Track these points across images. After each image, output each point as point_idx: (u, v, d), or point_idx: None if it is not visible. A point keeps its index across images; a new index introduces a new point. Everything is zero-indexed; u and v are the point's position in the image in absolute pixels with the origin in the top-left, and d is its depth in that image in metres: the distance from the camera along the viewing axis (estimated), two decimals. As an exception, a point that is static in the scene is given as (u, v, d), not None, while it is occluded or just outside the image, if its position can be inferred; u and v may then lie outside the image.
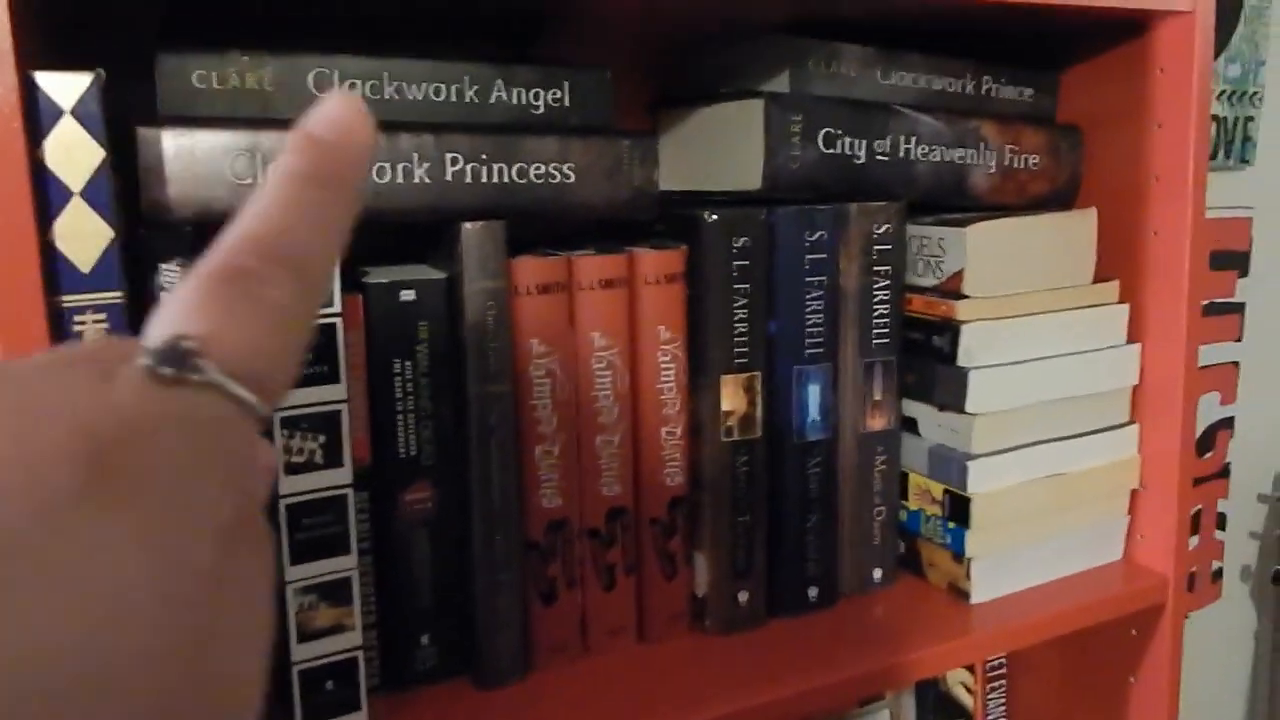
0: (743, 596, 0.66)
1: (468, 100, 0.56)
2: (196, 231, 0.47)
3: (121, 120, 0.47)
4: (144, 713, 0.18)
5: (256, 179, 0.49)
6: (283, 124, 0.50)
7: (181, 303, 0.22)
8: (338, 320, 0.52)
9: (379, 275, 0.56)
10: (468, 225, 0.55)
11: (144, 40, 0.51)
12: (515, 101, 0.58)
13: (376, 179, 0.52)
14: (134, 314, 0.44)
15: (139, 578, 0.18)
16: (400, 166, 0.52)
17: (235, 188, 0.48)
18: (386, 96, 0.54)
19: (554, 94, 0.59)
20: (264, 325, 0.22)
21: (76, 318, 0.43)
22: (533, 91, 0.58)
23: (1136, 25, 0.72)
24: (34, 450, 0.17)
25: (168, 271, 0.46)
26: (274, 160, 0.24)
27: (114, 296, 0.43)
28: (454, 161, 0.54)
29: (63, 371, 0.19)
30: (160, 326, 0.21)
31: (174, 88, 0.49)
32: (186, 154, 0.47)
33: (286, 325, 0.23)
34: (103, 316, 0.43)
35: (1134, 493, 0.76)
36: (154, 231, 0.46)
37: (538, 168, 0.57)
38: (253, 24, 0.54)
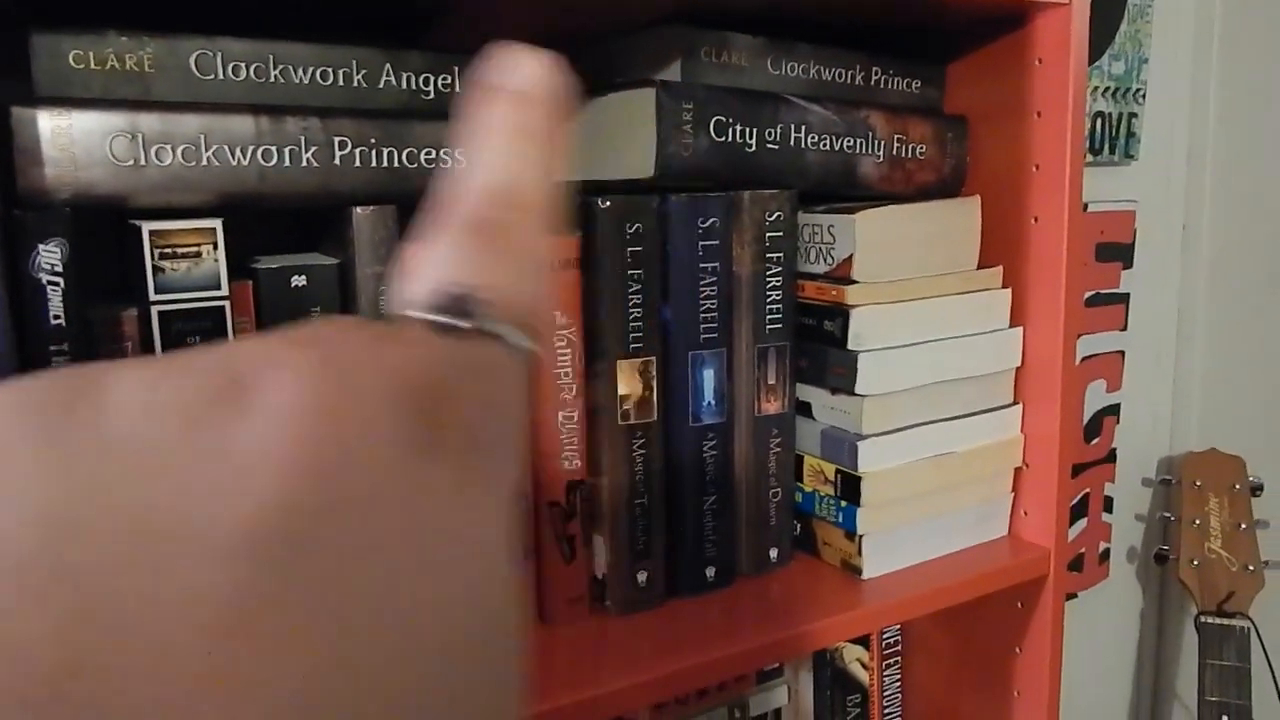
0: (642, 577, 0.67)
1: (356, 85, 0.56)
2: (75, 212, 0.46)
3: (-2, 103, 0.46)
4: (507, 672, 0.17)
5: (137, 161, 0.48)
6: (163, 106, 0.50)
7: (441, 257, 0.21)
8: (225, 304, 0.51)
9: (269, 262, 0.55)
10: (359, 210, 0.55)
11: (19, 24, 0.50)
12: (405, 87, 0.58)
13: (262, 162, 0.51)
14: (11, 294, 0.44)
15: (493, 533, 0.17)
16: (287, 150, 0.52)
17: (115, 169, 0.48)
18: (272, 79, 0.54)
19: (444, 79, 0.59)
20: (519, 272, 0.22)
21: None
22: (423, 77, 0.58)
23: (1017, 17, 0.75)
24: (362, 403, 0.16)
25: (46, 252, 0.45)
26: (473, 106, 0.24)
27: (-14, 277, 0.43)
28: (342, 145, 0.54)
29: (352, 331, 0.18)
30: (423, 281, 0.21)
31: (49, 68, 0.48)
32: (63, 135, 0.46)
33: (537, 269, 0.23)
34: (-25, 297, 0.42)
35: (1018, 471, 0.80)
36: (31, 212, 0.45)
37: (428, 153, 0.57)
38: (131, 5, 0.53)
